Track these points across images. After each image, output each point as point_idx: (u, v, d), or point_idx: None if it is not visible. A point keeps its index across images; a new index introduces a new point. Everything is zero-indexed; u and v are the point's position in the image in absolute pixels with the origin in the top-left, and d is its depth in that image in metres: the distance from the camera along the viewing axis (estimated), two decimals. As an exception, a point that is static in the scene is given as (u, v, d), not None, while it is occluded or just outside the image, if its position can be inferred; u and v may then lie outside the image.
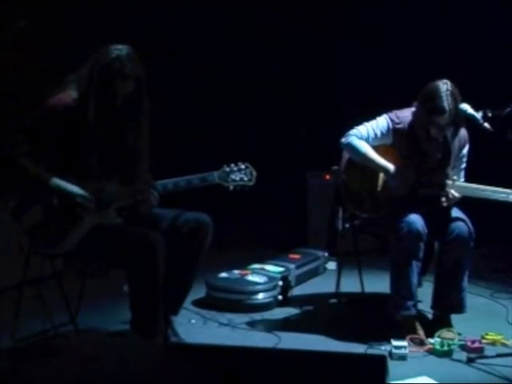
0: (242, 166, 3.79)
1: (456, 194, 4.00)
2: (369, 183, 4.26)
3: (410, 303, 4.05)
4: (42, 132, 3.66)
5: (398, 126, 4.14)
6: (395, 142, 4.15)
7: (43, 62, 5.52)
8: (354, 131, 4.18)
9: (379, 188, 4.23)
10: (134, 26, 6.23)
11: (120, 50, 3.64)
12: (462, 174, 4.27)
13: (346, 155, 4.35)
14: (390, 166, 4.12)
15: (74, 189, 3.68)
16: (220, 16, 6.62)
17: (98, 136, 3.71)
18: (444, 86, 3.97)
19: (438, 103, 3.93)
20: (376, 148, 4.17)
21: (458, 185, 4.06)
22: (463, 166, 4.28)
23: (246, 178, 3.78)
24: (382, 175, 4.22)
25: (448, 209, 4.13)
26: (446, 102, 3.92)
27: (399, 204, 4.10)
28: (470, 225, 4.08)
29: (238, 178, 3.77)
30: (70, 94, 3.69)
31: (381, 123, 4.18)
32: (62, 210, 3.68)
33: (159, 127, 3.89)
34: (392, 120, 4.16)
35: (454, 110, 3.95)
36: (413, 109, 4.16)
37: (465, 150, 4.24)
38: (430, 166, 4.15)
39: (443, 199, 4.01)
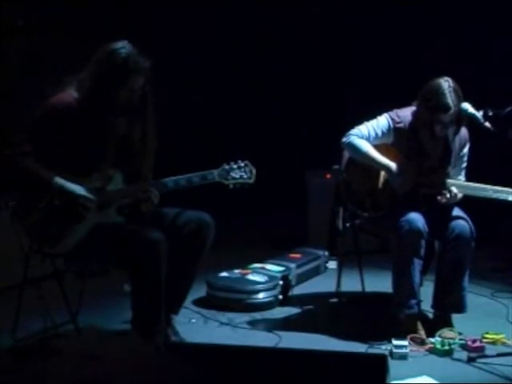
0: (242, 164, 3.80)
1: (457, 192, 3.99)
2: (369, 182, 4.25)
3: (413, 302, 4.05)
4: (42, 131, 3.66)
5: (398, 125, 4.14)
6: (396, 141, 4.15)
7: (43, 62, 5.52)
8: (354, 131, 4.18)
9: (380, 187, 4.23)
10: (133, 25, 6.23)
11: (125, 47, 3.65)
12: (463, 173, 4.27)
13: (346, 154, 4.35)
14: (392, 165, 4.12)
15: (76, 188, 3.68)
16: (221, 15, 6.62)
17: (101, 135, 3.71)
18: (446, 83, 3.97)
19: (443, 100, 3.93)
20: (377, 147, 4.17)
21: (458, 184, 4.06)
22: (464, 165, 4.27)
23: (245, 176, 3.79)
24: (382, 174, 4.21)
25: (449, 208, 4.14)
26: (450, 99, 3.93)
27: (400, 203, 4.09)
28: (471, 224, 4.08)
29: (237, 176, 3.78)
30: (71, 94, 3.69)
31: (381, 122, 4.17)
32: (63, 210, 3.68)
33: (159, 126, 3.90)
34: (393, 119, 4.16)
35: (458, 107, 3.95)
36: (413, 108, 4.16)
37: (465, 149, 4.24)
38: (430, 164, 4.15)
39: (445, 197, 4.00)
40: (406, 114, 4.16)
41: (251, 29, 6.65)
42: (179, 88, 6.50)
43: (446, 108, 3.93)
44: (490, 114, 3.97)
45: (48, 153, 3.66)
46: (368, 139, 4.16)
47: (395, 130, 4.14)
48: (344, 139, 4.19)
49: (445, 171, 4.14)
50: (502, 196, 3.94)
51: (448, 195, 3.99)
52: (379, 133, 4.16)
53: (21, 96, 5.34)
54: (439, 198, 4.01)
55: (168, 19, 6.56)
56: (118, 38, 3.70)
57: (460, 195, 4.01)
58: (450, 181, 4.07)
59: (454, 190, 3.99)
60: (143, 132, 3.81)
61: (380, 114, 4.22)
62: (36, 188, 3.68)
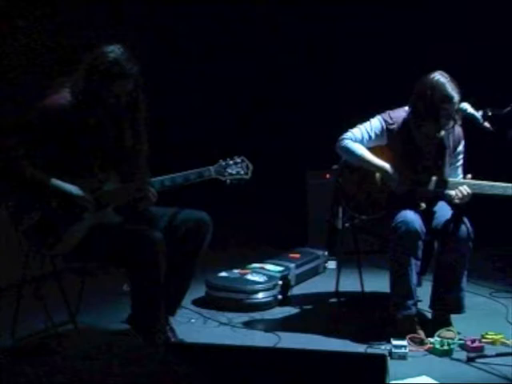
0: (238, 160, 3.82)
1: (464, 190, 3.98)
2: (366, 184, 4.25)
3: (410, 302, 4.05)
4: (36, 134, 3.65)
5: (391, 127, 4.15)
6: (390, 143, 4.15)
7: (41, 63, 5.51)
8: (348, 134, 4.18)
9: (376, 189, 4.23)
10: (134, 23, 6.25)
11: (114, 51, 3.64)
12: (460, 170, 4.27)
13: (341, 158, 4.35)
14: (387, 166, 4.12)
15: (73, 189, 3.68)
16: (221, 12, 6.63)
17: (95, 136, 3.72)
18: (441, 75, 4.00)
19: (447, 91, 3.95)
20: (371, 149, 4.17)
21: (454, 181, 4.07)
22: (460, 163, 4.27)
23: (242, 172, 3.81)
24: (378, 176, 4.21)
25: (447, 208, 4.14)
26: (451, 88, 3.95)
27: (398, 203, 4.09)
28: (468, 224, 4.07)
29: (234, 172, 3.80)
30: (64, 96, 3.69)
31: (374, 124, 4.18)
32: (61, 211, 3.69)
33: (157, 125, 3.91)
34: (385, 120, 4.16)
35: (459, 95, 3.97)
36: (406, 108, 4.17)
37: (460, 147, 4.24)
38: (426, 164, 4.15)
39: (458, 197, 3.99)
40: (398, 114, 4.17)
41: (251, 29, 6.65)
42: (179, 87, 6.50)
43: (451, 97, 3.94)
44: (490, 114, 3.97)
45: (42, 155, 3.66)
46: (362, 142, 4.16)
47: (388, 132, 4.15)
48: (338, 143, 4.19)
49: (440, 170, 4.14)
50: (499, 191, 3.95)
51: (460, 195, 3.98)
52: (373, 135, 4.16)
53: (15, 97, 5.33)
54: (452, 198, 4.00)
55: (169, 16, 6.58)
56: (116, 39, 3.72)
57: (470, 192, 3.99)
58: (450, 180, 4.08)
59: (465, 188, 3.98)
60: (136, 135, 3.81)
61: (379, 113, 4.22)
62: (32, 191, 3.68)
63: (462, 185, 4.02)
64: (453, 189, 4.04)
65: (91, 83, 3.62)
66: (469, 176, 4.06)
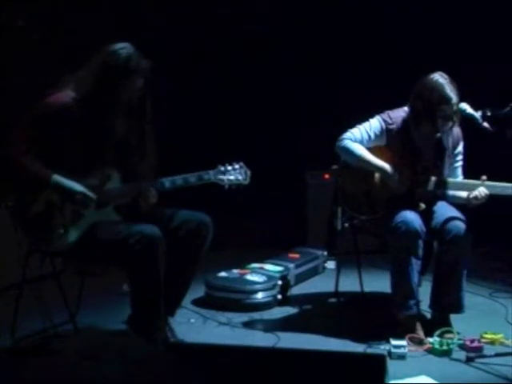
0: (237, 166, 3.83)
1: (482, 192, 3.97)
2: (364, 186, 4.25)
3: (412, 302, 4.04)
4: (39, 130, 3.66)
5: (390, 127, 4.15)
6: (389, 143, 4.16)
7: (43, 61, 5.52)
8: (347, 134, 4.18)
9: (376, 190, 4.23)
10: (135, 25, 6.25)
11: (126, 48, 3.68)
12: (459, 171, 4.27)
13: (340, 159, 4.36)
14: (387, 166, 4.12)
15: (74, 185, 3.68)
16: (221, 12, 6.64)
17: (98, 134, 3.72)
18: (440, 76, 4.01)
19: (445, 92, 3.95)
20: (370, 150, 4.17)
21: (453, 182, 4.07)
22: (459, 163, 4.27)
23: (240, 178, 3.82)
24: (377, 176, 4.21)
25: (446, 208, 4.15)
26: (450, 90, 3.96)
27: (397, 204, 4.09)
28: (468, 224, 4.07)
29: (233, 178, 3.81)
30: (68, 94, 3.70)
31: (374, 124, 4.18)
32: (61, 208, 3.69)
33: (156, 127, 3.91)
34: (385, 121, 4.17)
35: (458, 97, 3.97)
36: (405, 108, 4.17)
37: (459, 148, 4.25)
38: (425, 164, 4.16)
39: (475, 198, 3.98)
40: (397, 115, 4.18)
41: (251, 29, 6.66)
42: (180, 87, 6.50)
43: (449, 98, 3.95)
44: (489, 114, 3.98)
45: (46, 151, 3.67)
46: (361, 142, 4.16)
47: (388, 132, 4.15)
48: (338, 143, 4.19)
49: (439, 170, 4.15)
50: (498, 191, 3.95)
51: (479, 196, 3.97)
52: (372, 135, 4.17)
53: (19, 94, 5.34)
54: (471, 199, 3.99)
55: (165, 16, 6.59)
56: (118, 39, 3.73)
57: (487, 193, 3.97)
58: (449, 180, 4.08)
59: (483, 190, 3.96)
60: (141, 134, 3.82)
61: (378, 113, 4.23)
62: (34, 186, 3.69)
63: (461, 185, 4.03)
64: (453, 189, 4.05)
65: (105, 81, 3.64)
66: (483, 178, 4.02)
